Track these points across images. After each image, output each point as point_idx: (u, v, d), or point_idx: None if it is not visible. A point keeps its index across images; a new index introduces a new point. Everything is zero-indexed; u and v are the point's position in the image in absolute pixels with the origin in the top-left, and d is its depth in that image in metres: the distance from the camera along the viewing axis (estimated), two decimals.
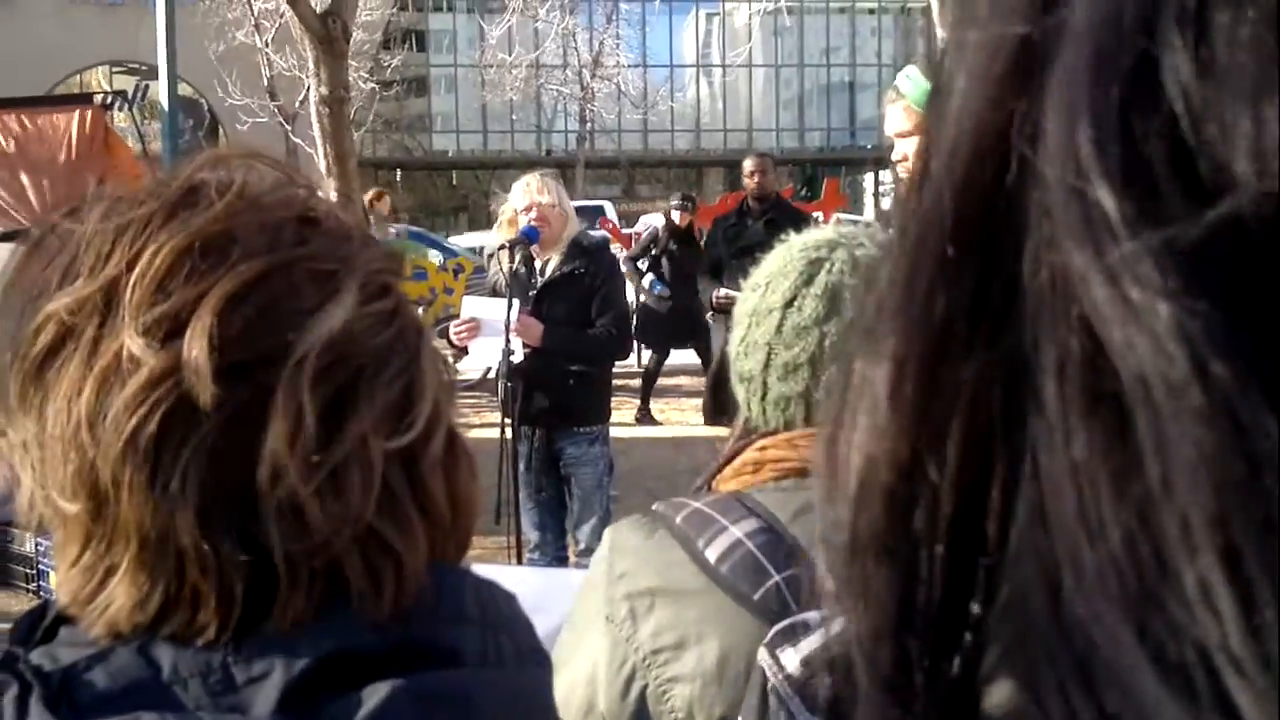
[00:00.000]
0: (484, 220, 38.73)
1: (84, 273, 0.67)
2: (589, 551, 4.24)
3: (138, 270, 0.65)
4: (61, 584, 0.69)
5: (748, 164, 7.43)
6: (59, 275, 0.68)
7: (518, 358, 4.10)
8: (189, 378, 0.62)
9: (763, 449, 1.20)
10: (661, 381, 9.90)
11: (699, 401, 10.28)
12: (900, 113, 3.04)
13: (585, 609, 1.22)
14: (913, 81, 3.04)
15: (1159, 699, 0.24)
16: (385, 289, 0.70)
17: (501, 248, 4.30)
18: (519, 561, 4.16)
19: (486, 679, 0.68)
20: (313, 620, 0.65)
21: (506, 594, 0.74)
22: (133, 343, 0.63)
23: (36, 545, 5.39)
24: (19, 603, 5.43)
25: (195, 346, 0.62)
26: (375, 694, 0.63)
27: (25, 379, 0.67)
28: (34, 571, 5.46)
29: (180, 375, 0.62)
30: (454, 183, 40.86)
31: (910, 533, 0.31)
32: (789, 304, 1.21)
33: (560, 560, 4.43)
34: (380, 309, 0.69)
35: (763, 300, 1.23)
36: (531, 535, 4.33)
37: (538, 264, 4.32)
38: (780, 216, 6.71)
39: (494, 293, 4.42)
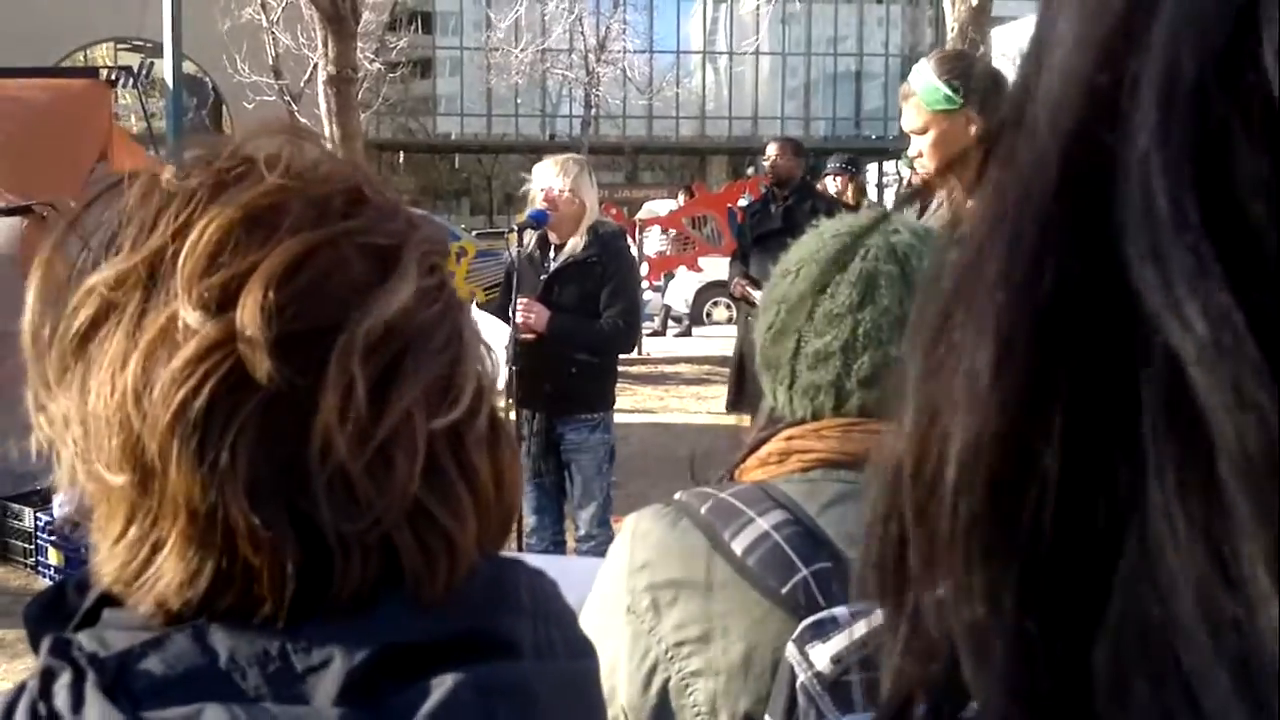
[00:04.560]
0: (486, 204, 38.77)
1: (126, 246, 0.66)
2: (589, 538, 4.24)
3: (190, 241, 0.64)
4: (104, 562, 0.67)
5: (769, 149, 7.26)
6: (99, 250, 0.67)
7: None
8: (243, 349, 0.62)
9: (789, 438, 1.17)
10: (661, 369, 9.88)
11: (699, 389, 10.31)
12: (911, 109, 3.01)
13: (605, 599, 1.19)
14: (922, 76, 3.01)
15: None
16: (433, 267, 0.71)
17: (511, 230, 4.28)
18: (520, 546, 4.15)
19: (543, 671, 0.68)
20: (369, 602, 0.64)
21: (553, 584, 0.74)
22: (188, 313, 0.63)
23: (36, 520, 5.38)
24: (17, 577, 5.43)
25: (249, 318, 0.62)
26: (440, 685, 0.62)
27: (65, 354, 0.66)
28: (32, 547, 5.46)
29: (231, 346, 0.62)
30: (456, 166, 40.81)
31: (1018, 522, 0.28)
32: (821, 290, 1.17)
33: (557, 544, 4.44)
34: (428, 285, 0.69)
35: (793, 286, 1.20)
36: (529, 519, 4.33)
37: (553, 249, 4.30)
38: (799, 203, 6.52)
39: (508, 274, 4.40)
